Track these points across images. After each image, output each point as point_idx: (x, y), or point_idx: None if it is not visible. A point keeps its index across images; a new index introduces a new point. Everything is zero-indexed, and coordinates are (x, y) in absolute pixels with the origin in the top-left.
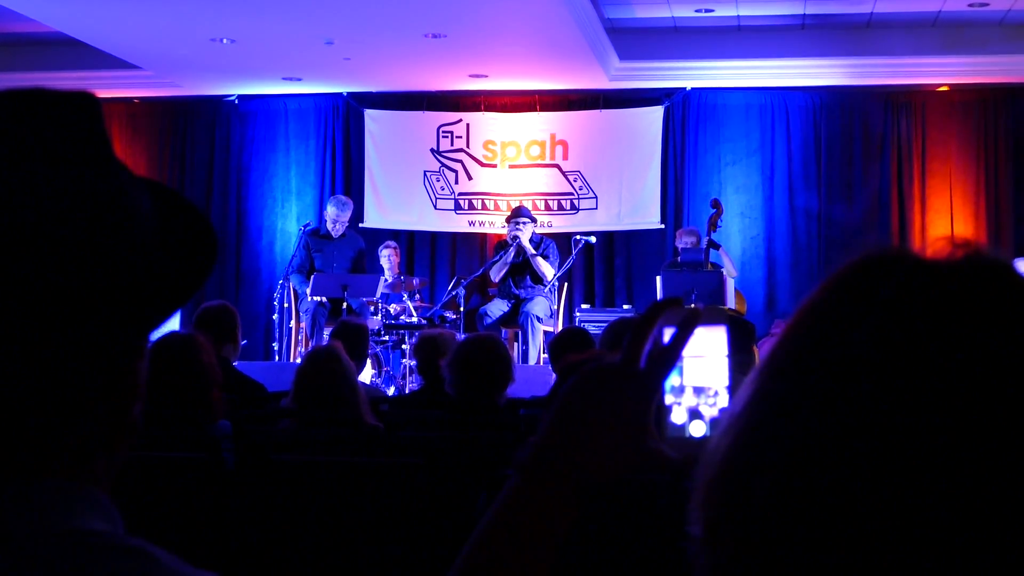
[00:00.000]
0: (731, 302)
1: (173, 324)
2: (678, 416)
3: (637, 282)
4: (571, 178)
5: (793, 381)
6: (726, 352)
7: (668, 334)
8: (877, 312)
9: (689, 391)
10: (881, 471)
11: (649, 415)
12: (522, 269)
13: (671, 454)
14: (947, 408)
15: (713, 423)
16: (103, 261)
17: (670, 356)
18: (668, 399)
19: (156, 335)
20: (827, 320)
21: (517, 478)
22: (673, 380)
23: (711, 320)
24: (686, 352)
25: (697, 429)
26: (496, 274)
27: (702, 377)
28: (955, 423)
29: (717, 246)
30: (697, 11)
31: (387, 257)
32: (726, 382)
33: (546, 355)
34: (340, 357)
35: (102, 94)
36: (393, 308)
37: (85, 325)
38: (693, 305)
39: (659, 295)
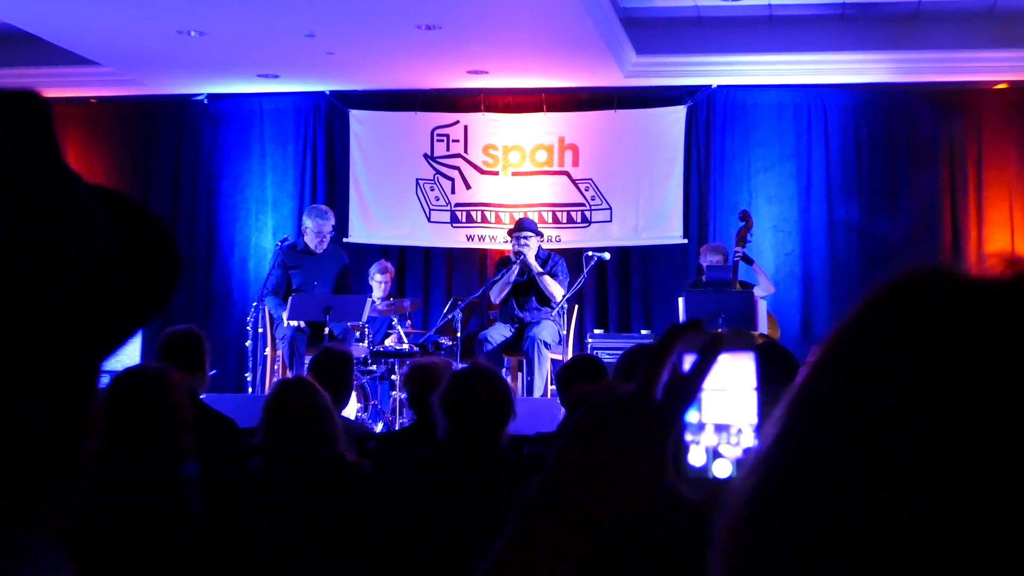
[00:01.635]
0: (763, 326)
1: (133, 351)
2: (696, 457)
3: (656, 304)
4: (582, 187)
5: (825, 414)
6: (754, 384)
7: (688, 361)
8: (918, 338)
9: (709, 429)
10: (927, 515)
11: (667, 452)
12: (527, 289)
13: (691, 496)
14: (1001, 445)
15: (738, 464)
16: (51, 279)
17: (690, 386)
18: (686, 437)
19: (121, 366)
20: (863, 347)
21: (518, 521)
22: (691, 416)
23: (736, 346)
24: (706, 384)
25: (721, 469)
26: (497, 295)
27: (724, 413)
28: (1011, 461)
29: (750, 261)
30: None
31: (379, 284)
32: (753, 419)
33: (554, 386)
34: (312, 386)
35: (55, 93)
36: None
37: (31, 352)
38: (718, 329)
39: (681, 318)
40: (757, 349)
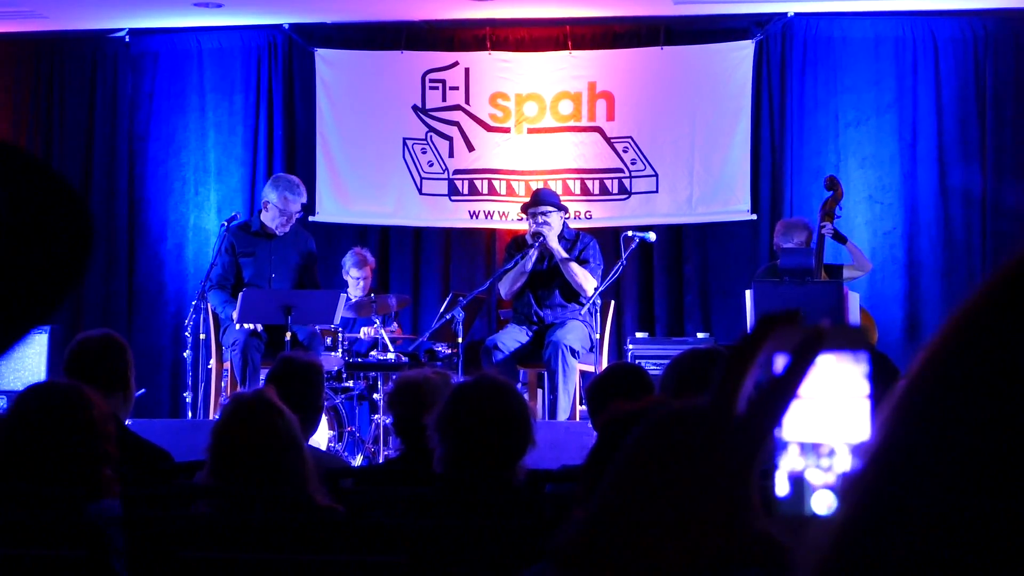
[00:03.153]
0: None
1: (38, 364)
2: (777, 486)
3: (716, 299)
4: (619, 147)
5: (939, 426)
6: (867, 391)
7: (780, 363)
8: None
9: (793, 449)
10: None
11: (751, 482)
12: (548, 281)
13: (783, 540)
14: None
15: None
16: None
17: (781, 395)
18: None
19: (23, 384)
20: (989, 340)
21: (556, 572)
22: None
23: (841, 343)
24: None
25: (822, 504)
26: (509, 288)
27: (813, 428)
28: None
29: (844, 239)
30: None
31: (356, 280)
32: (856, 436)
33: (583, 406)
34: (275, 407)
35: None
36: (364, 332)
37: None
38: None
39: (749, 316)
40: (870, 349)
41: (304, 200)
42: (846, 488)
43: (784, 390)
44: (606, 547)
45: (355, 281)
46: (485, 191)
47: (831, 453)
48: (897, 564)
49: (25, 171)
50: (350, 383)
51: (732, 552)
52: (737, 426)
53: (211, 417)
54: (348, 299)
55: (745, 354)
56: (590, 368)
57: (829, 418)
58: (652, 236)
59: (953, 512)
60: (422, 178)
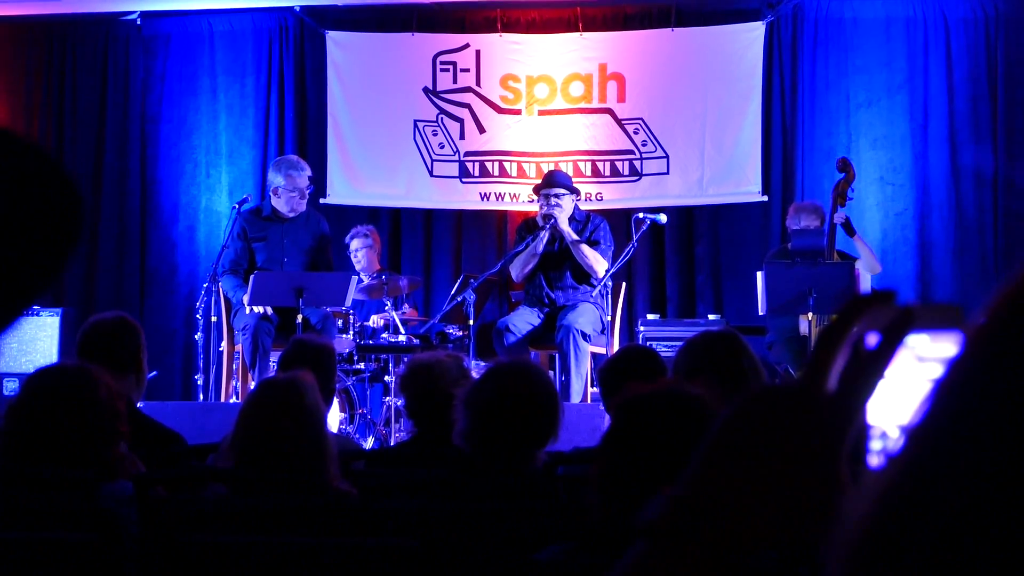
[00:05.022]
0: None
1: (50, 347)
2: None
3: (728, 281)
4: (630, 129)
5: (979, 407)
6: (920, 373)
7: (872, 342)
8: None
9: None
10: None
11: (841, 459)
12: (559, 263)
13: None
14: None
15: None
16: None
17: (872, 373)
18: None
19: (34, 366)
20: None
21: (645, 548)
22: None
23: (933, 323)
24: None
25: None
26: (520, 270)
27: (867, 410)
28: None
29: (852, 231)
30: None
31: (360, 252)
32: (903, 418)
33: (595, 388)
34: (307, 394)
35: None
36: (374, 320)
37: None
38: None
39: (760, 296)
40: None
41: (309, 172)
42: (887, 467)
43: (874, 368)
44: (698, 522)
45: (361, 256)
46: (496, 173)
47: (883, 435)
48: (930, 542)
49: (9, 150)
50: (361, 365)
51: (821, 525)
52: (829, 404)
53: (223, 400)
54: (359, 281)
55: (837, 332)
56: (601, 350)
57: (880, 400)
58: (663, 218)
59: (989, 493)
60: (433, 160)
